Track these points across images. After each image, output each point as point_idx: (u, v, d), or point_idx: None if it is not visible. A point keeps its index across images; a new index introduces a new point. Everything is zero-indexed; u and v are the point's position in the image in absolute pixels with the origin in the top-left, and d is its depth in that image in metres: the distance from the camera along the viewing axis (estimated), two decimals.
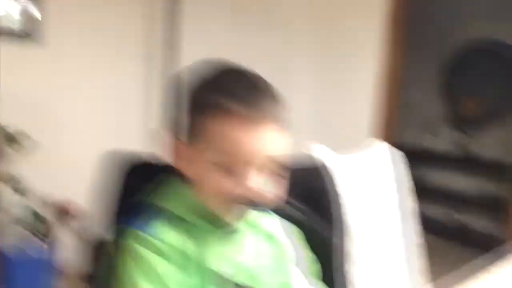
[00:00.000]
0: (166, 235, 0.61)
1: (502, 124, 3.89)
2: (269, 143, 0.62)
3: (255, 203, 0.62)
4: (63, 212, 2.10)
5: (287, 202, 0.75)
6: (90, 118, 2.30)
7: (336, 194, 0.85)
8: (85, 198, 2.15)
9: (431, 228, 3.88)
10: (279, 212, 0.75)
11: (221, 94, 0.61)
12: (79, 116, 2.26)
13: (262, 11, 2.98)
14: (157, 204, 0.65)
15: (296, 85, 3.19)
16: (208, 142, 0.62)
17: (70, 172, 2.16)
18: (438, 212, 4.12)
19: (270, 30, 2.95)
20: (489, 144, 3.94)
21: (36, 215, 2.03)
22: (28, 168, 2.02)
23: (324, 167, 0.87)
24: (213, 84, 0.63)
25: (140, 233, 0.61)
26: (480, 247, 3.32)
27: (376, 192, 1.17)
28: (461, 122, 4.04)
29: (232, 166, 0.61)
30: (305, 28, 3.27)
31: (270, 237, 0.73)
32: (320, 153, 0.96)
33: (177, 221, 0.64)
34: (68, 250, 2.18)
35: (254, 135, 0.60)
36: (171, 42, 2.29)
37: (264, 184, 0.63)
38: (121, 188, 0.72)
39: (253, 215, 0.69)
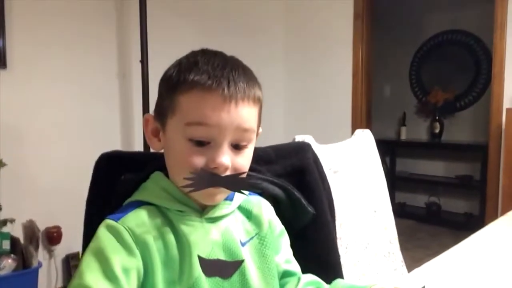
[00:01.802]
0: (132, 222, 0.60)
1: (470, 108, 4.08)
2: (238, 116, 0.62)
3: (218, 179, 0.61)
4: (34, 234, 2.07)
5: (267, 180, 0.76)
6: (57, 139, 2.28)
7: (320, 172, 0.85)
8: (53, 218, 2.18)
9: (411, 214, 4.05)
10: (258, 188, 0.74)
11: (192, 70, 0.62)
12: (45, 138, 2.23)
13: (237, 16, 3.08)
14: (136, 197, 0.66)
15: (272, 86, 3.30)
16: (178, 116, 0.63)
17: (35, 193, 2.17)
18: (415, 198, 4.27)
19: (246, 35, 3.04)
20: (459, 129, 4.12)
21: (10, 238, 1.98)
22: None
23: (308, 146, 0.87)
24: (186, 64, 0.64)
25: (110, 221, 0.61)
26: (461, 228, 3.46)
27: (360, 176, 1.25)
28: (432, 111, 4.19)
29: (200, 139, 0.62)
30: (280, 32, 3.40)
31: (255, 216, 0.72)
32: (305, 138, 1.03)
33: (154, 209, 0.64)
34: (44, 271, 2.20)
35: (222, 108, 0.61)
36: (143, 58, 2.32)
37: (229, 158, 0.62)
38: (107, 188, 0.72)
39: (238, 197, 0.70)
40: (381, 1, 3.41)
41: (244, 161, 0.65)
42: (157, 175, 0.68)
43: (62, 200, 2.23)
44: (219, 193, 0.65)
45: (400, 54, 4.45)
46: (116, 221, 0.61)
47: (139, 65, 2.36)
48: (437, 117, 4.14)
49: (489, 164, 2.68)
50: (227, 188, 0.63)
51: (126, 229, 0.60)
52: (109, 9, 2.47)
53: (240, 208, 0.72)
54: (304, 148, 0.87)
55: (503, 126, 2.48)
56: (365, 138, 1.32)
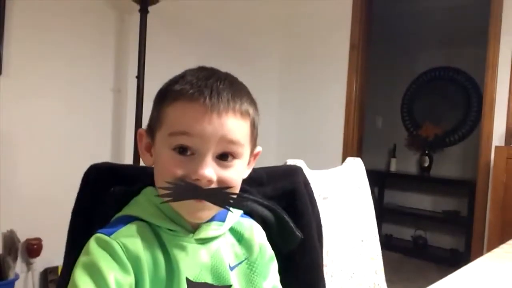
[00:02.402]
0: (124, 238, 0.59)
1: (459, 144, 4.13)
2: (221, 127, 0.61)
3: (200, 191, 0.60)
4: (13, 245, 2.02)
5: (257, 201, 0.75)
6: (46, 149, 2.24)
7: (310, 196, 0.85)
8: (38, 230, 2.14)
9: (397, 247, 4.04)
10: (246, 209, 0.73)
11: (178, 82, 0.63)
12: (34, 147, 2.20)
13: (235, 43, 3.12)
14: (128, 211, 0.64)
15: (266, 113, 3.32)
16: (165, 127, 0.62)
17: (19, 202, 2.12)
18: (402, 230, 4.27)
19: (242, 61, 3.07)
20: (448, 164, 4.16)
21: None
22: None
23: (299, 170, 0.86)
24: (175, 77, 0.65)
25: (101, 235, 0.59)
26: (446, 264, 3.46)
27: (349, 203, 1.25)
28: (422, 145, 4.24)
29: (182, 147, 0.61)
30: (276, 60, 3.45)
31: (246, 240, 0.70)
32: (297, 162, 1.03)
33: (145, 226, 0.62)
34: (21, 284, 2.14)
35: (204, 118, 0.60)
36: (140, 73, 2.31)
37: (214, 171, 0.61)
38: (95, 200, 0.70)
39: (230, 218, 0.68)
40: (378, 33, 3.48)
41: (231, 175, 0.63)
42: (149, 190, 0.66)
43: (46, 212, 2.19)
44: (203, 209, 0.62)
45: (393, 87, 4.52)
46: (108, 236, 0.59)
47: (135, 81, 2.37)
48: (426, 151, 4.19)
49: (476, 200, 2.69)
50: (209, 201, 0.61)
51: (119, 244, 0.58)
52: (109, 24, 2.49)
53: (232, 230, 0.70)
54: (296, 171, 0.86)
55: (492, 164, 2.51)
56: (356, 166, 1.32)
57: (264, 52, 3.36)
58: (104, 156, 2.46)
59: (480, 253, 2.32)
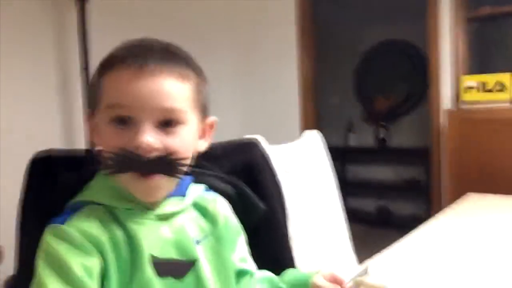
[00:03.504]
0: (80, 223, 0.56)
1: (411, 114, 4.27)
2: (156, 90, 0.57)
3: (142, 162, 0.56)
4: None
5: (216, 176, 0.74)
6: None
7: (270, 168, 0.84)
8: None
9: (360, 219, 4.14)
10: (206, 185, 0.71)
11: (112, 54, 0.60)
12: None
13: (184, 28, 3.06)
14: (80, 197, 0.61)
15: (223, 98, 3.30)
16: (102, 101, 0.59)
17: None
18: (365, 203, 4.38)
19: (194, 48, 3.02)
20: (404, 134, 4.29)
21: None
22: None
23: (257, 143, 0.85)
24: (110, 52, 0.62)
25: (55, 225, 0.57)
26: (410, 230, 3.57)
27: (310, 176, 1.26)
28: (376, 118, 4.35)
29: (118, 117, 0.58)
30: (229, 49, 3.42)
31: (210, 214, 0.68)
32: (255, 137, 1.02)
33: (99, 208, 0.59)
34: None
35: (137, 81, 0.57)
36: (86, 68, 2.24)
37: (155, 138, 0.57)
38: (43, 192, 0.67)
39: (191, 193, 0.67)
40: (322, 13, 3.52)
41: (176, 142, 0.60)
42: (102, 173, 0.63)
43: (3, 217, 2.08)
44: (154, 187, 0.60)
45: (343, 64, 4.59)
46: (62, 224, 0.56)
47: (83, 74, 2.28)
48: (382, 124, 4.30)
49: (432, 166, 2.79)
50: (155, 172, 0.58)
51: (75, 229, 0.56)
52: (47, 16, 2.37)
53: (195, 205, 0.68)
54: (253, 145, 0.85)
55: (443, 128, 2.61)
56: (314, 139, 1.33)
57: (212, 37, 3.32)
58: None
59: None
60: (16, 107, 2.25)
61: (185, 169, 0.61)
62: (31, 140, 2.27)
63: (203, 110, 0.66)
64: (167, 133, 0.59)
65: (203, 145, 0.68)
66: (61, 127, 2.45)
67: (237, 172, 0.79)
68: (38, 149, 0.71)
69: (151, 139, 0.57)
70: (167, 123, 0.59)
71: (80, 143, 2.42)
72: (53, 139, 2.41)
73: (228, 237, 0.70)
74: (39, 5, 2.35)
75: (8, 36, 2.22)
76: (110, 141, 0.58)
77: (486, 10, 2.57)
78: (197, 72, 0.65)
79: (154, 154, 0.58)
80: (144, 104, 0.57)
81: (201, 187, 0.71)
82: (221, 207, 0.71)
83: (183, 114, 0.61)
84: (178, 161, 0.59)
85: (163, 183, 0.60)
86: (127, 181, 0.59)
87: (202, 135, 0.68)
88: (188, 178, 0.69)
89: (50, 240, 0.56)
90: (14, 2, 2.22)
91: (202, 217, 0.68)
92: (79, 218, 0.58)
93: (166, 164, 0.58)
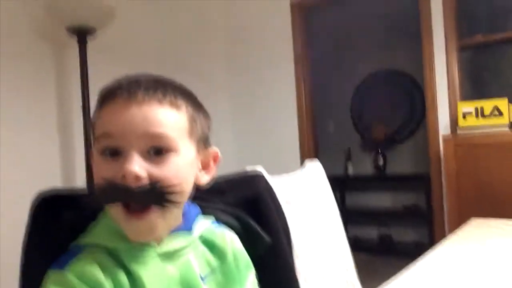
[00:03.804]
0: (81, 268, 0.55)
1: (408, 141, 4.29)
2: (142, 118, 0.56)
3: (130, 192, 0.55)
4: None
5: (219, 209, 0.73)
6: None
7: (274, 200, 0.83)
8: None
9: (362, 247, 4.09)
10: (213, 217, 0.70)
11: (103, 88, 0.60)
12: None
13: (178, 62, 3.10)
14: (82, 240, 0.60)
15: (222, 129, 3.32)
16: (95, 134, 0.59)
17: None
18: (366, 231, 4.34)
19: (189, 82, 3.06)
20: (401, 161, 4.30)
21: None
22: None
23: (260, 175, 0.84)
24: (102, 87, 0.61)
25: (55, 271, 0.55)
26: (413, 257, 3.53)
27: (312, 206, 1.25)
28: (375, 145, 4.37)
29: (106, 149, 0.57)
30: (222, 73, 3.46)
31: (218, 248, 0.67)
32: (256, 169, 1.02)
33: (100, 251, 0.58)
34: None
35: (123, 111, 0.56)
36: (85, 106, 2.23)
37: (142, 167, 0.56)
38: (47, 233, 0.65)
39: (198, 227, 0.65)
40: (320, 42, 3.59)
41: (166, 172, 0.57)
42: (105, 213, 0.62)
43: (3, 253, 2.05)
44: (146, 227, 0.57)
45: (341, 93, 4.65)
46: (61, 269, 0.55)
47: (80, 114, 2.29)
48: (379, 151, 4.31)
49: (432, 191, 2.79)
50: (142, 202, 0.56)
51: (75, 275, 0.54)
52: (48, 59, 2.42)
53: (202, 239, 0.67)
54: (257, 177, 0.85)
55: (442, 153, 2.62)
56: (315, 169, 1.33)
57: (210, 73, 3.37)
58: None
59: None
60: (16, 144, 2.25)
61: (177, 198, 0.58)
62: (30, 178, 2.27)
63: (202, 141, 0.65)
64: (156, 162, 0.57)
65: (205, 177, 0.67)
66: (62, 166, 2.44)
67: (241, 204, 0.78)
68: (37, 187, 0.70)
69: (136, 168, 0.55)
70: (157, 152, 0.57)
71: (81, 182, 2.41)
72: (53, 178, 2.40)
73: (236, 273, 0.68)
74: (40, 45, 2.39)
75: (10, 74, 2.24)
76: (99, 172, 0.58)
77: (478, 38, 2.63)
78: (192, 103, 0.64)
79: (141, 183, 0.56)
80: (130, 132, 0.56)
81: (209, 220, 0.69)
82: (230, 241, 0.69)
83: (173, 141, 0.59)
84: (167, 190, 0.57)
85: (157, 221, 0.58)
86: (119, 220, 0.58)
87: (205, 167, 0.67)
88: (195, 211, 0.68)
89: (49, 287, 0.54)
90: (15, 41, 2.26)
91: (209, 251, 0.67)
92: (80, 262, 0.56)
93: (154, 193, 0.56)
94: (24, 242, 0.67)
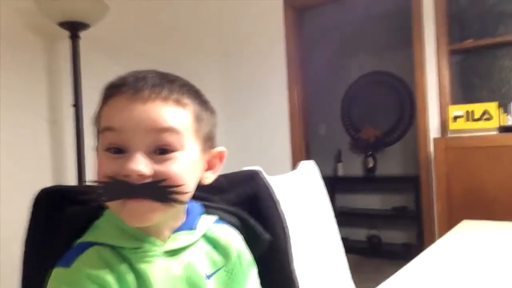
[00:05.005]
0: (86, 266, 0.54)
1: (399, 143, 4.33)
2: (147, 115, 0.56)
3: (132, 188, 0.54)
4: None
5: (220, 208, 0.72)
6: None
7: (273, 198, 0.83)
8: None
9: (351, 248, 4.11)
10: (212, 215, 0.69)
11: (109, 84, 0.59)
12: None
13: (171, 63, 3.09)
14: (86, 238, 0.59)
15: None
16: (99, 129, 0.59)
17: None
18: (356, 232, 4.36)
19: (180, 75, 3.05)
20: (391, 162, 4.33)
21: None
22: None
23: (259, 173, 0.85)
24: (108, 82, 0.61)
25: (60, 269, 0.55)
26: (401, 258, 3.55)
27: (307, 206, 1.26)
28: (365, 147, 4.40)
29: (110, 146, 0.56)
30: (217, 78, 3.45)
31: (223, 247, 0.67)
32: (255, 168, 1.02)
33: (106, 249, 0.57)
34: None
35: (127, 107, 0.56)
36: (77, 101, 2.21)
37: (147, 165, 0.55)
38: (49, 227, 0.64)
39: (201, 226, 0.65)
40: (312, 45, 3.60)
41: (170, 169, 0.57)
42: (108, 211, 0.61)
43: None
44: (144, 210, 0.56)
45: (331, 95, 4.67)
46: (67, 267, 0.54)
47: (72, 110, 2.27)
48: (369, 153, 4.34)
49: (422, 193, 2.82)
50: (145, 198, 0.55)
51: (80, 272, 0.54)
52: (39, 53, 2.39)
53: (206, 237, 0.67)
54: (256, 175, 0.85)
55: (432, 156, 2.64)
56: (310, 169, 1.34)
57: (202, 72, 3.36)
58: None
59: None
60: (7, 139, 2.22)
61: (181, 197, 0.58)
62: (21, 174, 2.23)
63: (207, 140, 0.64)
64: (161, 160, 0.57)
65: (210, 177, 0.67)
66: (52, 162, 2.41)
67: (241, 202, 0.78)
68: (28, 183, 0.70)
69: (141, 166, 0.55)
70: (162, 151, 0.57)
71: (71, 178, 2.38)
72: (44, 174, 2.37)
73: (240, 271, 0.68)
74: (32, 39, 2.36)
75: (1, 69, 2.21)
76: (101, 169, 0.57)
77: (469, 43, 2.66)
78: (199, 101, 0.63)
79: (145, 180, 0.55)
80: (135, 129, 0.56)
81: (212, 218, 0.69)
82: (233, 239, 0.69)
83: (178, 139, 0.58)
84: (170, 188, 0.56)
85: (155, 207, 0.56)
86: (117, 209, 0.57)
87: (210, 166, 0.67)
88: (198, 210, 0.68)
89: (55, 285, 0.54)
90: (7, 35, 2.23)
91: (214, 249, 0.67)
92: (86, 260, 0.56)
93: (158, 190, 0.56)
94: (24, 236, 0.67)
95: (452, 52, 2.75)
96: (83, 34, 2.28)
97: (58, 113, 2.44)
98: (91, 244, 0.58)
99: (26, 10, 2.31)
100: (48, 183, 2.33)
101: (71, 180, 2.37)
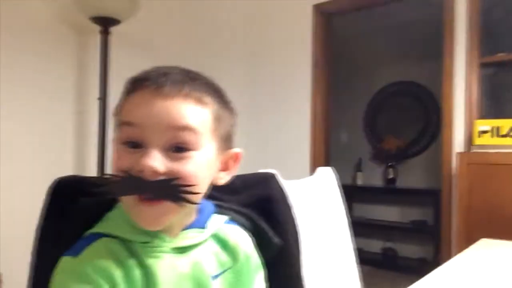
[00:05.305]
0: (94, 257, 0.55)
1: (421, 155, 4.25)
2: (167, 112, 0.56)
3: (144, 184, 0.54)
4: None
5: (232, 209, 0.72)
6: (4, 177, 2.13)
7: (286, 202, 0.83)
8: None
9: (365, 259, 4.05)
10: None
11: (132, 78, 0.60)
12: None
13: (197, 63, 3.11)
14: (96, 229, 0.59)
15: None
16: (118, 122, 0.59)
17: None
18: (371, 243, 4.30)
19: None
20: (412, 175, 4.26)
21: None
22: None
23: (274, 176, 0.84)
24: (131, 76, 0.61)
25: (68, 258, 0.55)
26: (416, 273, 3.49)
27: (322, 213, 1.24)
28: (386, 158, 4.34)
29: (127, 139, 0.57)
30: (241, 79, 3.46)
31: (231, 248, 0.66)
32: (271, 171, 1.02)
33: (114, 242, 0.57)
34: None
35: (147, 103, 0.56)
36: (104, 96, 2.25)
37: (161, 162, 0.55)
38: (62, 217, 0.65)
39: (211, 225, 0.65)
40: (338, 51, 3.58)
41: (185, 168, 0.56)
42: (121, 205, 0.61)
43: (5, 245, 2.06)
44: (156, 213, 0.56)
45: (355, 103, 4.63)
46: (75, 257, 0.55)
47: (97, 102, 2.32)
48: (390, 164, 4.28)
49: (442, 208, 2.75)
50: (156, 196, 0.55)
51: (87, 263, 0.54)
52: (70, 47, 2.44)
53: (216, 237, 0.66)
54: (271, 178, 0.84)
55: (454, 171, 2.59)
56: (328, 175, 1.32)
57: (227, 73, 3.37)
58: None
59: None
60: (32, 131, 2.28)
61: (194, 197, 0.57)
62: (42, 164, 2.29)
63: (225, 140, 0.64)
64: (176, 158, 0.56)
65: (225, 178, 0.66)
66: (74, 155, 2.46)
67: (254, 204, 0.78)
68: (50, 176, 0.71)
69: (156, 163, 0.54)
70: (178, 149, 0.57)
71: (92, 172, 2.42)
72: (65, 167, 2.41)
73: (247, 273, 0.67)
74: (63, 33, 2.41)
75: (31, 62, 2.27)
76: (117, 162, 0.57)
77: (501, 56, 2.59)
78: (219, 100, 0.63)
79: (159, 177, 0.55)
80: (153, 125, 0.56)
81: (223, 218, 0.69)
82: (242, 241, 0.69)
83: (195, 137, 0.58)
84: (184, 188, 0.56)
85: (168, 210, 0.56)
86: (129, 207, 0.57)
87: (225, 167, 0.66)
88: (210, 209, 0.67)
89: (62, 276, 0.55)
90: (40, 28, 2.29)
91: (222, 250, 0.66)
92: (93, 251, 0.56)
93: (171, 189, 0.55)
94: (38, 224, 0.68)
95: (483, 65, 2.68)
96: (113, 30, 2.33)
97: (84, 105, 2.49)
98: (100, 236, 0.58)
99: (61, 4, 2.37)
100: (69, 172, 2.40)
101: (92, 171, 2.41)
